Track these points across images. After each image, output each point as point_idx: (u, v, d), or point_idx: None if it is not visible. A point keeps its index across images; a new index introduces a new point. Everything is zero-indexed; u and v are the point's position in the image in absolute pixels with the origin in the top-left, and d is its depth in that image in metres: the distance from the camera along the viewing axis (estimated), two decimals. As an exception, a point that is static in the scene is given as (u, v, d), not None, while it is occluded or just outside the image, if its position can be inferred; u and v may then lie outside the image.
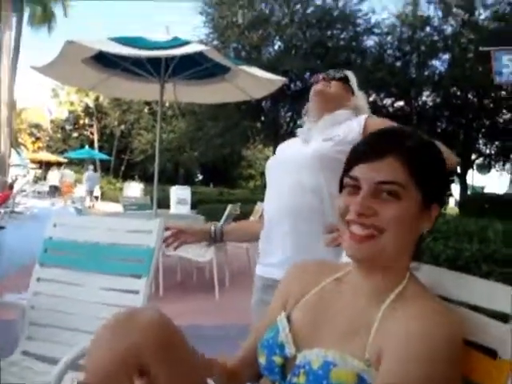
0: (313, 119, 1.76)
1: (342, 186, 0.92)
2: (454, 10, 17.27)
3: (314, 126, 1.73)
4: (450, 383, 0.73)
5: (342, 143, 1.54)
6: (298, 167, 1.61)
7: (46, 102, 36.95)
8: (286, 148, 1.81)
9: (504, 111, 18.57)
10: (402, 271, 0.88)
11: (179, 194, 10.65)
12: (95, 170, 27.95)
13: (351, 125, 1.62)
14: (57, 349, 1.85)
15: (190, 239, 1.78)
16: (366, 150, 0.89)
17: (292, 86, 17.44)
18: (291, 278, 1.08)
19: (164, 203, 9.29)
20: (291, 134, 1.95)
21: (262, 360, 0.94)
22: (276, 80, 5.69)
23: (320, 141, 1.63)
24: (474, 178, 27.51)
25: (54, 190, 21.29)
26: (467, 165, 19.57)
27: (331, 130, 1.65)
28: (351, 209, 0.85)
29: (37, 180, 27.16)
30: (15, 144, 32.10)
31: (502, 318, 0.80)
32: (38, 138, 36.67)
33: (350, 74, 1.84)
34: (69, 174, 21.84)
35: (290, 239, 1.57)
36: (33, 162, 31.97)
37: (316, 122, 1.73)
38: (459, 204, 15.98)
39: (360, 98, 1.81)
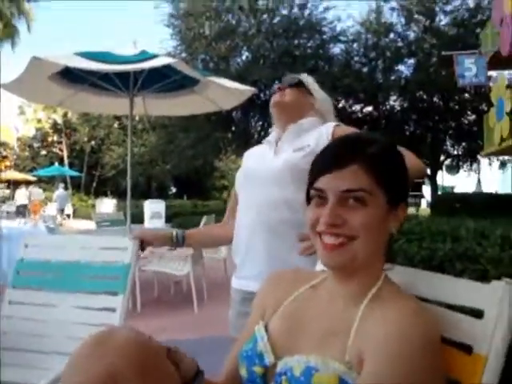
0: (279, 130, 1.74)
1: (308, 198, 0.93)
2: (416, 16, 17.75)
3: (281, 136, 1.71)
4: (431, 381, 0.74)
5: (312, 154, 1.52)
6: (268, 180, 1.59)
7: (12, 119, 36.15)
8: (254, 157, 1.78)
9: (468, 113, 19.12)
10: (377, 272, 0.90)
11: (153, 207, 10.56)
12: (66, 187, 27.49)
13: (321, 132, 1.60)
14: (33, 374, 1.79)
15: (154, 243, 1.79)
16: (328, 159, 0.90)
17: (261, 95, 17.55)
18: (267, 289, 1.08)
19: (138, 218, 9.19)
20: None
21: (243, 372, 0.93)
22: (245, 90, 5.72)
23: (290, 152, 1.61)
24: (443, 178, 28.20)
25: (23, 210, 20.80)
26: (436, 166, 20.01)
27: (301, 140, 1.63)
28: (321, 220, 0.87)
29: (4, 200, 26.45)
30: (-19, 164, 31.32)
31: (477, 314, 0.81)
32: (4, 157, 35.75)
33: (305, 77, 1.79)
34: (37, 192, 21.39)
35: (263, 252, 1.56)
36: (0, 181, 31.15)
37: (282, 133, 1.71)
38: (431, 204, 16.28)
39: (322, 100, 1.77)
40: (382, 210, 0.86)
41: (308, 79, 1.79)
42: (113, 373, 0.71)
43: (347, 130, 1.60)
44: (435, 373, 0.75)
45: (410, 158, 1.17)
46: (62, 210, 18.96)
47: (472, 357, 0.77)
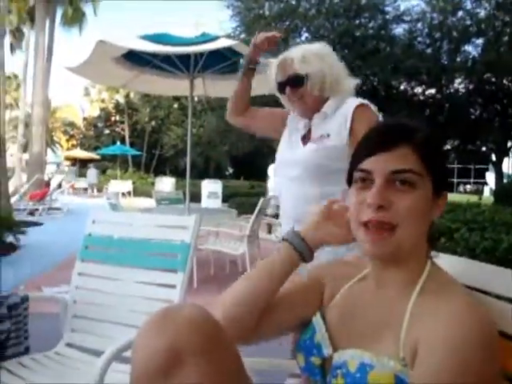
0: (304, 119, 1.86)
1: (350, 181, 0.92)
2: (488, -8, 16.71)
3: (307, 125, 1.84)
4: (488, 377, 0.72)
5: (327, 149, 1.68)
6: (293, 176, 1.76)
7: (79, 100, 37.85)
8: (286, 148, 1.91)
9: (541, 96, 17.93)
10: (422, 260, 0.88)
11: (210, 187, 10.76)
12: (127, 165, 28.70)
13: (342, 118, 1.70)
14: (98, 341, 1.92)
15: None
16: (375, 141, 0.88)
17: (320, 77, 17.26)
18: (328, 266, 1.08)
19: (195, 197, 9.40)
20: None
21: (301, 361, 0.96)
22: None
23: (317, 138, 1.74)
24: (510, 166, 26.73)
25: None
26: (503, 153, 19.01)
27: (325, 127, 1.74)
28: (368, 201, 0.84)
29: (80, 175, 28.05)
30: (50, 142, 33.04)
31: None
32: (71, 136, 37.53)
33: (299, 62, 1.84)
34: (71, 171, 26.35)
35: None
36: (67, 159, 32.79)
37: (309, 122, 1.83)
38: (494, 193, 15.53)
39: (329, 70, 1.77)
40: (429, 196, 0.85)
41: (303, 63, 1.81)
42: (176, 349, 0.74)
43: (367, 111, 1.69)
44: (492, 368, 0.73)
45: None
46: (93, 185, 22.79)
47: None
